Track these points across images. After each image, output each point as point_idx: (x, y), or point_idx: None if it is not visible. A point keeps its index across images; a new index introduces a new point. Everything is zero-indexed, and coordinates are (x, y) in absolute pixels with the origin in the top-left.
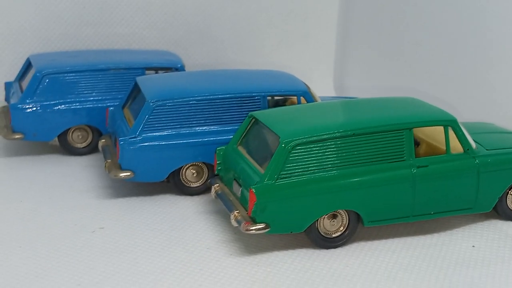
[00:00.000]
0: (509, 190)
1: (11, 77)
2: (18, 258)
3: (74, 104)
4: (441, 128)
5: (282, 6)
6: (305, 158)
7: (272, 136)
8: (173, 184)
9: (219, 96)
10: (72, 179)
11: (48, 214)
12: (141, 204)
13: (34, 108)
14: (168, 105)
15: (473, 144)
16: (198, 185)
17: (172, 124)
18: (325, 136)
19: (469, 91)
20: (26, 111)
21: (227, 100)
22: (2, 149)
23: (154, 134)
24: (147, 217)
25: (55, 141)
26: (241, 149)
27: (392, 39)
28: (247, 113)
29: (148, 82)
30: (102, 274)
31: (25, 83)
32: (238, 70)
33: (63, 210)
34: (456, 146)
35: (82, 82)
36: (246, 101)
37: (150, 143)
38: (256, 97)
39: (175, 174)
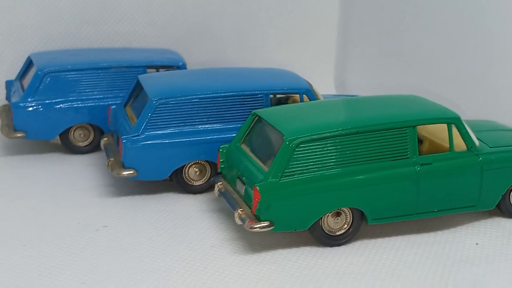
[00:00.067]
0: None
1: (12, 75)
2: (21, 257)
3: (75, 103)
4: (444, 125)
5: (282, 4)
6: (309, 156)
7: (276, 134)
8: (176, 183)
9: (222, 94)
10: (74, 177)
11: (51, 213)
12: (144, 203)
13: (36, 107)
14: (171, 103)
15: (477, 142)
16: (201, 183)
17: (175, 122)
18: (329, 134)
19: (471, 88)
20: (27, 109)
21: (230, 98)
22: (3, 148)
23: (157, 132)
24: (150, 215)
25: (57, 139)
26: (244, 147)
27: (392, 37)
28: (250, 111)
29: (151, 80)
30: (106, 272)
31: (26, 81)
32: (240, 68)
33: (66, 208)
34: (459, 143)
35: (84, 80)
36: (249, 99)
37: (153, 142)
38: (259, 95)
39: (178, 173)
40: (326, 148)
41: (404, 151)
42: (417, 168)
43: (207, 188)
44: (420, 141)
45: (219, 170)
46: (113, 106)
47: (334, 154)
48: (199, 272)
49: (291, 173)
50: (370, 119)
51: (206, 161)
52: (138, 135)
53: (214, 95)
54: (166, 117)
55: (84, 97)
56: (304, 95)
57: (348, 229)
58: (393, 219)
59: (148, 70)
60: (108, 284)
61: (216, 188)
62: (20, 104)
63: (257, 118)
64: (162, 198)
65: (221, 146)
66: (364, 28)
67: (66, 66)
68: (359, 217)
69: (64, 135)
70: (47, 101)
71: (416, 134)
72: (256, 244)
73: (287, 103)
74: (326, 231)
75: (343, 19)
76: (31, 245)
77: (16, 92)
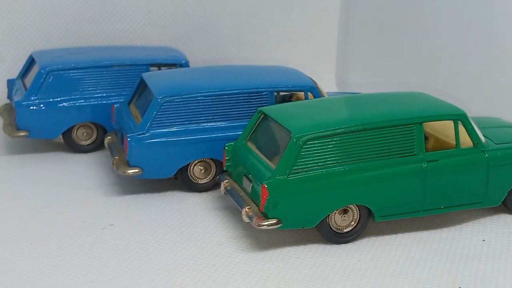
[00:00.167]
0: None
1: (13, 74)
2: (29, 256)
3: (78, 101)
4: (449, 122)
5: (283, 3)
6: (317, 153)
7: (283, 131)
8: (181, 181)
9: (227, 92)
10: (78, 176)
11: (56, 212)
12: (150, 201)
13: (39, 105)
14: (176, 101)
15: (483, 139)
16: (206, 181)
17: (180, 120)
18: (336, 131)
19: (473, 86)
20: (30, 108)
21: (235, 96)
22: (5, 147)
23: (162, 130)
24: (156, 214)
25: (59, 138)
26: (250, 144)
27: (393, 35)
28: (255, 109)
29: (155, 79)
30: (115, 270)
31: (28, 80)
32: (243, 65)
33: (71, 207)
34: (465, 140)
35: (87, 79)
36: (254, 97)
37: (159, 140)
38: (264, 93)
39: (183, 171)
40: (333, 145)
41: (411, 148)
42: (424, 165)
43: (212, 186)
44: (425, 138)
45: (224, 168)
46: (117, 105)
47: (341, 151)
48: (208, 269)
49: (299, 170)
50: (377, 116)
51: (211, 159)
52: (143, 133)
53: (219, 92)
54: (171, 115)
55: (87, 96)
56: (309, 93)
57: (355, 226)
58: (400, 216)
59: (151, 68)
60: (117, 282)
61: (222, 186)
62: (23, 103)
63: (263, 115)
64: (167, 196)
65: (226, 144)
66: (365, 27)
67: (69, 64)
68: (366, 214)
69: (67, 134)
70: (50, 100)
71: (422, 131)
72: (263, 241)
73: (291, 101)
74: (333, 229)
75: (344, 18)
76: (38, 244)
77: (19, 91)
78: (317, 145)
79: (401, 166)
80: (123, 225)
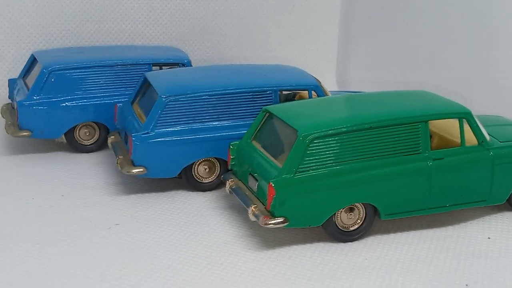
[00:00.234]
0: None
1: (13, 74)
2: (37, 255)
3: (81, 101)
4: (453, 120)
5: (284, 1)
6: (323, 151)
7: (289, 130)
8: (185, 180)
9: (232, 91)
10: (82, 176)
11: (62, 211)
12: (154, 201)
13: (41, 105)
14: (181, 100)
15: (487, 137)
16: (210, 180)
17: (184, 119)
18: (342, 130)
19: (475, 84)
20: (33, 108)
21: (239, 95)
22: (6, 147)
23: (167, 129)
24: (161, 213)
25: (61, 138)
26: (255, 143)
27: (394, 33)
28: (259, 108)
29: (159, 78)
30: (123, 269)
31: (30, 79)
32: (247, 65)
33: (77, 207)
34: (469, 138)
35: (89, 78)
36: (258, 96)
37: (163, 139)
38: (268, 92)
39: (187, 170)
40: (339, 144)
41: (416, 146)
42: (430, 163)
43: (215, 185)
44: (430, 137)
45: (229, 167)
46: (120, 104)
47: (347, 149)
48: (216, 268)
49: (305, 169)
50: (382, 115)
51: (216, 158)
52: (148, 133)
53: (224, 91)
54: (176, 114)
55: (89, 95)
56: (313, 91)
57: (361, 224)
58: (406, 214)
59: (153, 67)
60: (126, 280)
61: (227, 185)
62: (26, 103)
63: (268, 114)
64: (172, 196)
65: (231, 143)
66: (366, 25)
67: (72, 64)
68: (372, 212)
69: (69, 133)
70: (53, 99)
71: (428, 129)
72: (269, 240)
73: (294, 100)
74: (339, 227)
75: (344, 16)
76: (46, 243)
77: (21, 91)
78: (324, 143)
79: (406, 164)
80: (129, 225)
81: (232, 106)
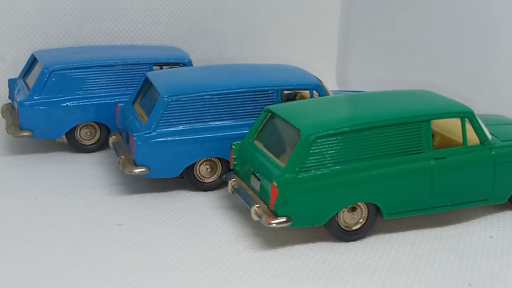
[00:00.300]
0: None
1: (13, 74)
2: (39, 255)
3: (82, 101)
4: (455, 120)
5: (284, 1)
6: (326, 151)
7: (291, 129)
8: (187, 180)
9: (233, 91)
10: (83, 176)
11: (64, 211)
12: (156, 200)
13: (42, 105)
14: (183, 100)
15: (489, 136)
16: (211, 180)
17: (186, 119)
18: (345, 129)
19: (476, 83)
20: (34, 108)
21: (241, 94)
22: (6, 147)
23: (169, 129)
24: (163, 213)
25: (62, 138)
26: (257, 143)
27: (394, 33)
28: (261, 108)
29: (160, 78)
30: (126, 269)
31: (30, 79)
32: (248, 64)
33: (78, 207)
34: (471, 137)
35: (90, 78)
36: (260, 96)
37: (165, 139)
38: (270, 91)
39: (189, 170)
40: (342, 143)
41: (419, 145)
42: (432, 162)
43: (217, 185)
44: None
45: (231, 167)
46: (121, 104)
47: (350, 149)
48: (218, 268)
49: (308, 168)
50: (385, 114)
51: (217, 158)
52: (149, 133)
53: (226, 91)
54: (178, 114)
55: (90, 95)
56: (314, 91)
57: (364, 224)
58: (408, 214)
59: (154, 67)
60: (129, 280)
61: (229, 185)
62: (26, 103)
63: (270, 114)
64: (174, 195)
65: (233, 143)
66: (366, 25)
67: (73, 63)
68: (375, 211)
69: (70, 133)
70: (54, 99)
71: (430, 128)
72: (272, 240)
73: (295, 99)
74: (342, 226)
75: (344, 16)
76: (47, 243)
77: (21, 91)
78: (326, 143)
79: (409, 163)
80: (131, 225)
81: (233, 106)
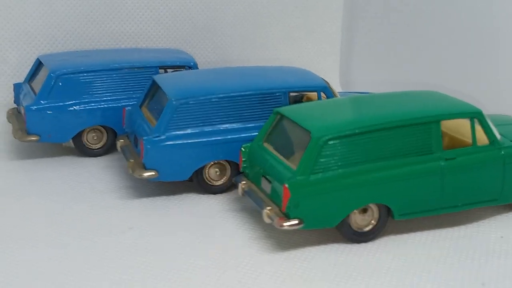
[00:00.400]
0: None
1: (18, 78)
2: (50, 259)
3: (88, 105)
4: (464, 120)
5: (286, 1)
6: (337, 152)
7: (301, 131)
8: (196, 183)
9: (242, 94)
10: (91, 180)
11: (73, 216)
12: (166, 204)
13: (49, 109)
14: (191, 104)
15: (498, 136)
16: (221, 183)
17: (195, 122)
18: (356, 130)
19: (481, 84)
20: (41, 112)
21: (249, 97)
22: (14, 151)
23: (178, 132)
24: (174, 216)
25: (69, 142)
26: (267, 145)
27: (397, 33)
28: (269, 110)
29: (168, 81)
30: (139, 273)
31: (36, 84)
32: (254, 67)
33: (88, 211)
34: (480, 138)
35: (97, 82)
36: (268, 98)
37: (174, 142)
38: (277, 94)
39: (199, 173)
40: (352, 145)
41: (429, 146)
42: (442, 163)
43: (226, 188)
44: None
45: (241, 170)
46: (128, 107)
47: (360, 150)
48: (231, 270)
49: (319, 170)
50: (394, 115)
51: (226, 160)
52: (159, 136)
53: (234, 94)
54: (186, 117)
55: (97, 99)
56: (322, 93)
57: (375, 225)
58: (419, 214)
59: (160, 70)
60: (142, 283)
61: (239, 188)
62: (33, 107)
63: (279, 116)
64: (183, 199)
65: (243, 145)
66: (369, 25)
67: (79, 67)
68: (386, 213)
69: (77, 138)
70: (60, 104)
71: (440, 129)
72: (284, 242)
73: (301, 101)
74: (353, 228)
75: (347, 16)
76: (58, 247)
77: (27, 95)
78: (337, 144)
79: (419, 164)
80: (143, 228)
81: (242, 109)
